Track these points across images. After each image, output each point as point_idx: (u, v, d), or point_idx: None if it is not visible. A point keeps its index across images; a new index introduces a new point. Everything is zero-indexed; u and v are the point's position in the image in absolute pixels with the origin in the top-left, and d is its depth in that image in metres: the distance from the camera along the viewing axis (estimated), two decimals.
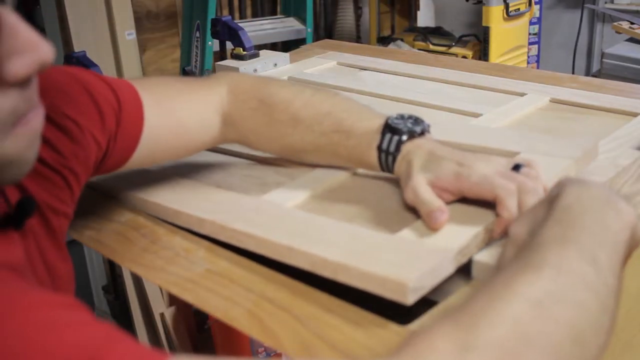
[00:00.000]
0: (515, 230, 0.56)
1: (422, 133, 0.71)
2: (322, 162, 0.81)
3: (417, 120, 0.72)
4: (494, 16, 2.26)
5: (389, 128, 0.71)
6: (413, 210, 0.69)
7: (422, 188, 0.66)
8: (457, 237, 0.62)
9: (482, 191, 0.64)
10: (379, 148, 0.71)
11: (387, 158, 0.71)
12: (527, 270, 0.47)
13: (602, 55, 2.09)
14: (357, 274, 0.58)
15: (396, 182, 0.75)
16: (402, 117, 0.72)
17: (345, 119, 0.75)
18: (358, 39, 2.69)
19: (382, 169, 0.73)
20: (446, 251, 0.60)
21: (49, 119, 0.60)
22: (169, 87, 0.79)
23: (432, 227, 0.64)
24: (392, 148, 0.71)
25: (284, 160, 0.85)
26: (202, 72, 2.01)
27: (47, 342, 0.37)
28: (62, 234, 0.63)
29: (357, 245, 0.62)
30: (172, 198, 0.78)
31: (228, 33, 1.42)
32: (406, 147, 0.70)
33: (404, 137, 0.70)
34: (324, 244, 0.63)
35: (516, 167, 0.65)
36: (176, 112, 0.76)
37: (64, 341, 0.38)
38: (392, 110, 1.10)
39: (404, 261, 0.59)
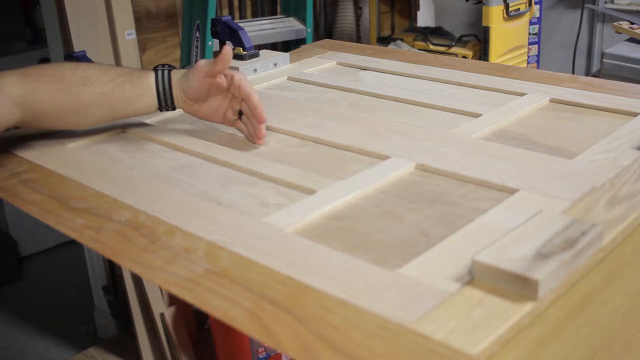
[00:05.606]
0: None
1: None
2: (109, 111, 0.97)
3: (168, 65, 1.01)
4: (494, 16, 2.25)
5: (155, 67, 0.98)
6: (415, 242, 0.69)
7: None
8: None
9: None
10: (156, 76, 0.97)
11: (163, 81, 0.97)
12: None
13: (602, 55, 2.08)
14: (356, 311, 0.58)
15: (397, 213, 0.76)
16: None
17: (123, 68, 0.99)
18: (358, 39, 2.68)
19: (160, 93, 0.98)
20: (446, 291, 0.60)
21: None
22: None
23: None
24: (166, 75, 0.98)
25: (284, 180, 0.85)
26: None
27: None
28: None
29: (357, 281, 0.62)
30: (170, 212, 0.78)
31: (228, 33, 1.42)
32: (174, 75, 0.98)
33: (168, 69, 0.99)
34: (323, 277, 0.63)
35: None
36: None
37: None
38: (392, 110, 1.10)
39: (404, 301, 0.59)
